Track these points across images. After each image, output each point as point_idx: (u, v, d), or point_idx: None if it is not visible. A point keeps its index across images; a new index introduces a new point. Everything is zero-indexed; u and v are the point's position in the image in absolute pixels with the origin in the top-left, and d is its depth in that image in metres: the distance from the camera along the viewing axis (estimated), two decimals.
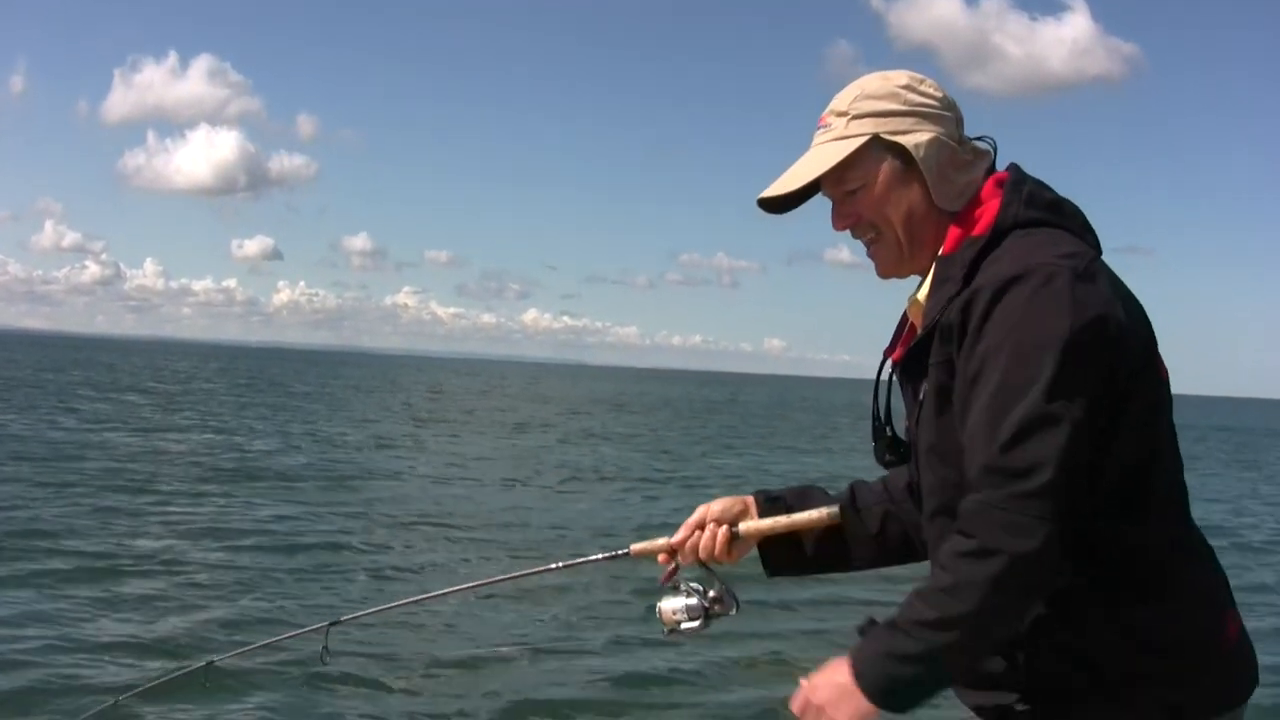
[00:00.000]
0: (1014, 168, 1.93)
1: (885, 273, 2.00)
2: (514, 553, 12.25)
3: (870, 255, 1.99)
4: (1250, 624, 1.98)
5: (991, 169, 1.95)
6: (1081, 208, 1.93)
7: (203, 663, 3.03)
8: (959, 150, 1.91)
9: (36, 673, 6.97)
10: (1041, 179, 1.93)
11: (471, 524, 14.25)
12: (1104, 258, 1.86)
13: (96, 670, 7.16)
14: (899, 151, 1.88)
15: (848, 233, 1.99)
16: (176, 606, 8.97)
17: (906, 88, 1.91)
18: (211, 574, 10.26)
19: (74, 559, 10.41)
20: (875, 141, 1.89)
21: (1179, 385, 1.95)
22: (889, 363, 2.06)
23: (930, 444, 1.88)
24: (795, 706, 1.84)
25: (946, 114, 1.92)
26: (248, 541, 11.96)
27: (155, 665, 7.14)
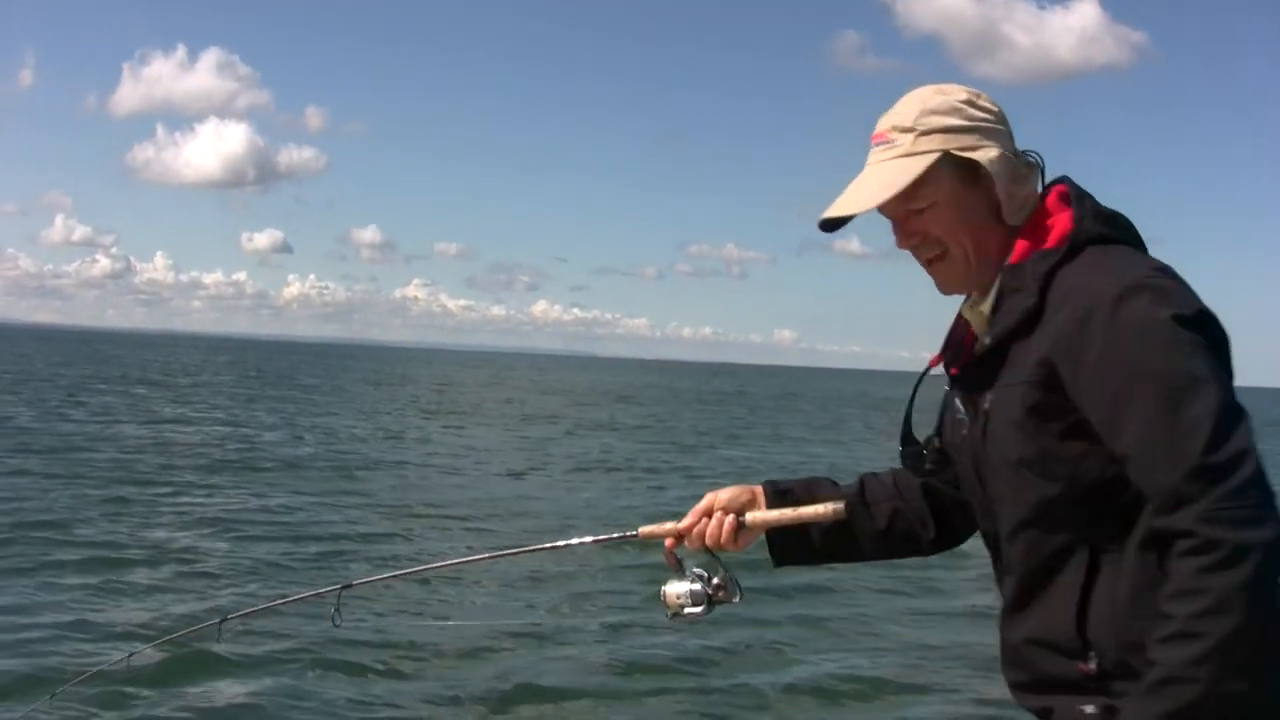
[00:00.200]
0: (1069, 181, 1.93)
1: (949, 289, 1.98)
2: (520, 541, 12.35)
3: (932, 272, 1.96)
4: None
5: (1043, 181, 1.96)
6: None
7: (216, 620, 3.09)
8: (1017, 164, 1.91)
9: (46, 656, 7.12)
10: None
11: (477, 513, 14.38)
12: None
13: (105, 652, 7.28)
14: (968, 167, 1.87)
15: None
16: (186, 593, 9.12)
17: (967, 103, 1.90)
18: (220, 562, 10.41)
19: (84, 549, 10.57)
20: (944, 158, 1.87)
21: None
22: (942, 373, 2.03)
23: (1020, 458, 1.81)
24: None
25: (1002, 128, 1.92)
26: (256, 531, 12.12)
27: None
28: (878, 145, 1.93)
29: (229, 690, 6.67)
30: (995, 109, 1.92)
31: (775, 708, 7.04)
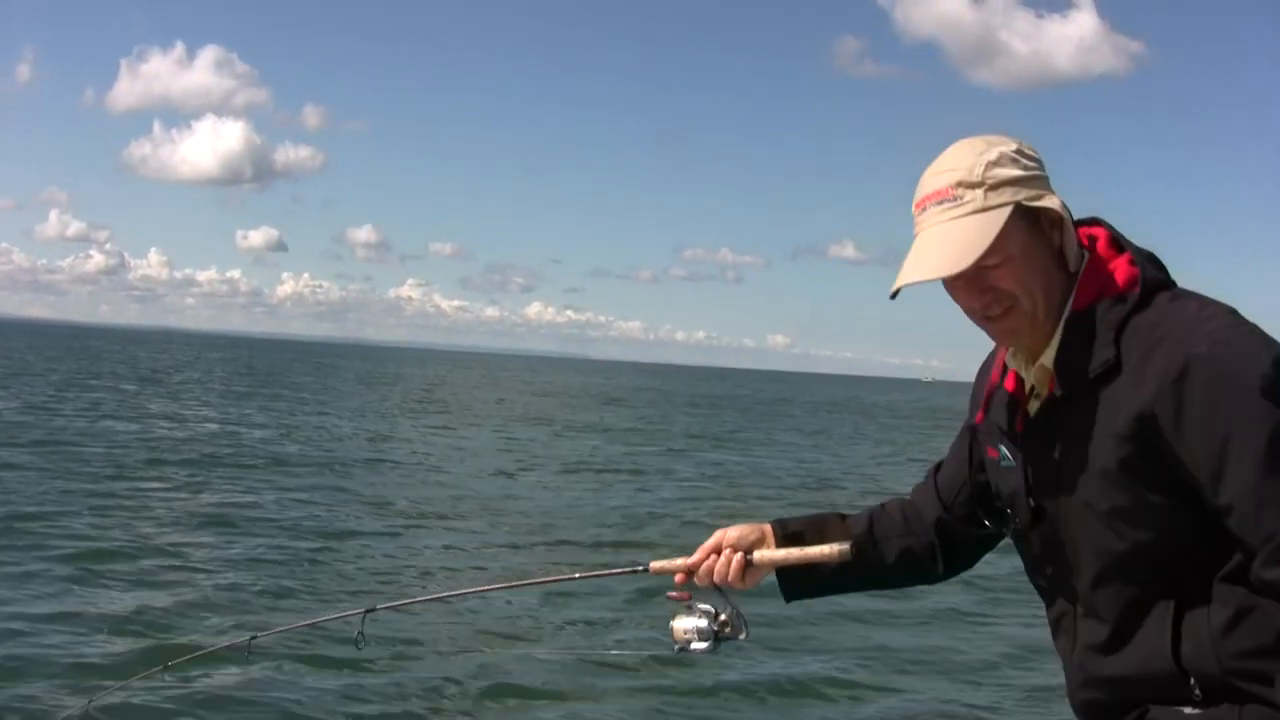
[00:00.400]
0: (1104, 222, 1.94)
1: (1012, 342, 1.94)
2: (511, 544, 12.46)
3: (995, 327, 1.91)
4: None
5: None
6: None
7: (246, 638, 3.22)
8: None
9: (52, 650, 7.19)
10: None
11: (462, 511, 14.45)
12: None
13: (114, 652, 7.38)
14: (1033, 217, 1.84)
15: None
16: (186, 590, 9.19)
17: (1019, 152, 1.86)
18: (207, 560, 10.45)
19: (76, 544, 10.62)
20: (1014, 210, 1.83)
21: None
22: (991, 429, 2.03)
23: (1113, 508, 1.81)
24: None
25: (1047, 174, 1.90)
26: (244, 528, 12.17)
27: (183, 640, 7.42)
28: (940, 204, 1.86)
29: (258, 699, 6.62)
30: (1038, 155, 1.91)
31: (749, 707, 7.13)
